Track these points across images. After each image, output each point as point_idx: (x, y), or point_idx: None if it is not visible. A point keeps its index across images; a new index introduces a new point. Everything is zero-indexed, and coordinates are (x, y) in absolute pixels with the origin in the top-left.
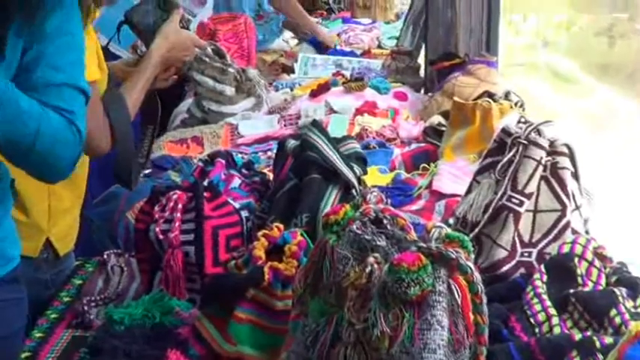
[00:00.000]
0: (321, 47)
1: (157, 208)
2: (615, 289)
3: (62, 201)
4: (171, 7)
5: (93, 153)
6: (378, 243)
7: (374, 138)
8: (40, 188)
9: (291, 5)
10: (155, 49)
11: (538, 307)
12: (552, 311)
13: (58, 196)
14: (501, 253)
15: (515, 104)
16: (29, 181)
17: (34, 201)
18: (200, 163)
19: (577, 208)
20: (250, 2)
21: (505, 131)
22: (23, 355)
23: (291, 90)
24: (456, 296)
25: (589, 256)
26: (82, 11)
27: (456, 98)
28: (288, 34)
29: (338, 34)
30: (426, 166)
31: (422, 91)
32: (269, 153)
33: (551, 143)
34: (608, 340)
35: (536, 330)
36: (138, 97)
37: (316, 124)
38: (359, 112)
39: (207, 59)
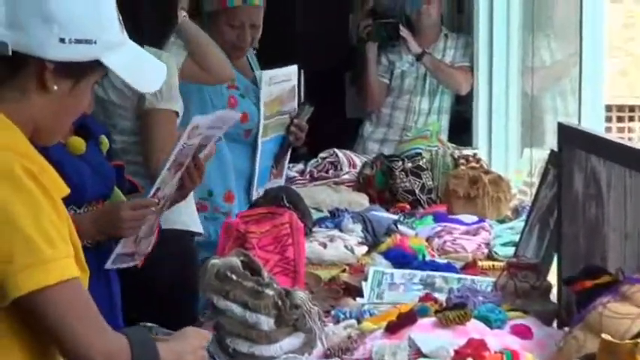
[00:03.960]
0: (401, 258)
1: None
2: None
3: None
4: None
5: None
6: None
7: None
8: None
9: None
10: None
11: None
12: None
13: None
14: None
15: None
16: None
17: None
18: None
19: None
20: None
21: None
22: None
23: (358, 322)
24: None
25: None
26: None
27: (605, 335)
28: (353, 240)
29: (428, 239)
30: None
31: (554, 324)
32: None
33: None
34: None
35: None
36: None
37: None
38: (460, 355)
39: (233, 276)
